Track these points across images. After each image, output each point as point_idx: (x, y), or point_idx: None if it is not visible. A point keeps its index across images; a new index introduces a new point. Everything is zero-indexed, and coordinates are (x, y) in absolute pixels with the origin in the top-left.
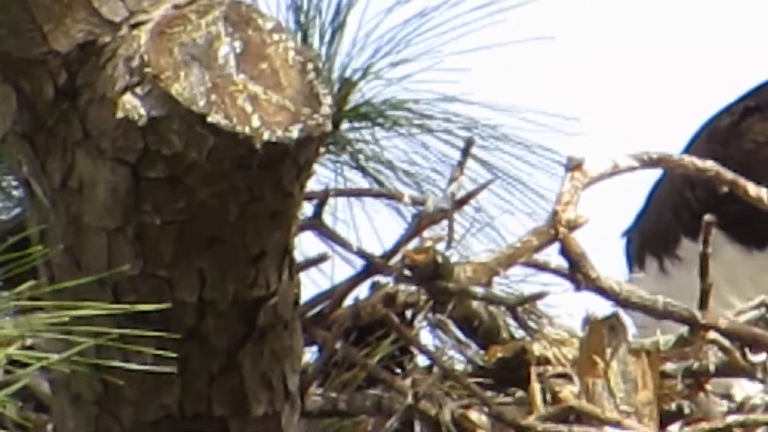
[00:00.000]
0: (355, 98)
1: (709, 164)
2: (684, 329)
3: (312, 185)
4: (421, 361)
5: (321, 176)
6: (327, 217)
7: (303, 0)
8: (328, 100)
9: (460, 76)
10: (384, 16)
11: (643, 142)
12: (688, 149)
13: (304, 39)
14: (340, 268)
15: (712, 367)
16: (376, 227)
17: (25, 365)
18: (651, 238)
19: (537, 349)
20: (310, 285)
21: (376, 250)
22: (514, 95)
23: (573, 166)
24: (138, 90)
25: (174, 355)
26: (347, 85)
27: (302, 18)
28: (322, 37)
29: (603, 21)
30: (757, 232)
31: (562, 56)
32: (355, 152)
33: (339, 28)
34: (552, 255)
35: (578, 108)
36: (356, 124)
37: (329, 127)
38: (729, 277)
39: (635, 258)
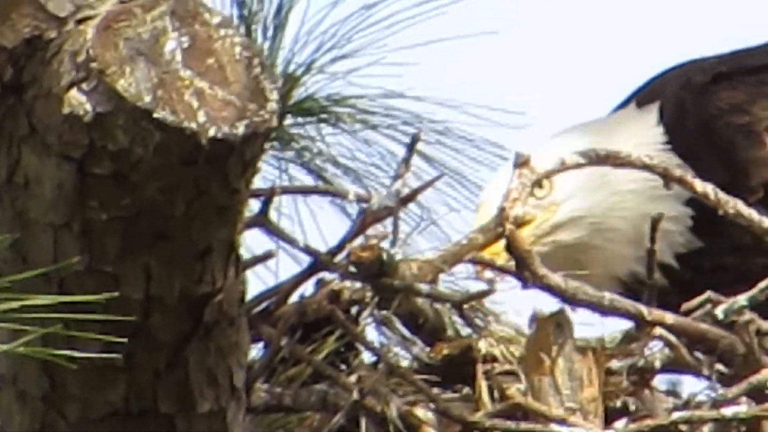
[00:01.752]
0: (298, 93)
1: (657, 161)
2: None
3: (257, 182)
4: (367, 357)
5: (265, 172)
6: (272, 214)
7: None
8: (274, 96)
9: (404, 71)
10: (328, 11)
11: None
12: (637, 93)
13: (248, 33)
14: (286, 265)
15: (657, 364)
16: (320, 224)
17: None
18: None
19: (483, 346)
20: (257, 282)
21: (321, 246)
22: (457, 90)
23: (520, 162)
24: (84, 85)
25: (120, 352)
26: (290, 81)
27: (246, 12)
28: (265, 31)
29: (545, 14)
30: None
31: (505, 50)
32: (299, 148)
33: (282, 23)
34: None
35: (522, 101)
36: (300, 120)
37: (275, 122)
38: None
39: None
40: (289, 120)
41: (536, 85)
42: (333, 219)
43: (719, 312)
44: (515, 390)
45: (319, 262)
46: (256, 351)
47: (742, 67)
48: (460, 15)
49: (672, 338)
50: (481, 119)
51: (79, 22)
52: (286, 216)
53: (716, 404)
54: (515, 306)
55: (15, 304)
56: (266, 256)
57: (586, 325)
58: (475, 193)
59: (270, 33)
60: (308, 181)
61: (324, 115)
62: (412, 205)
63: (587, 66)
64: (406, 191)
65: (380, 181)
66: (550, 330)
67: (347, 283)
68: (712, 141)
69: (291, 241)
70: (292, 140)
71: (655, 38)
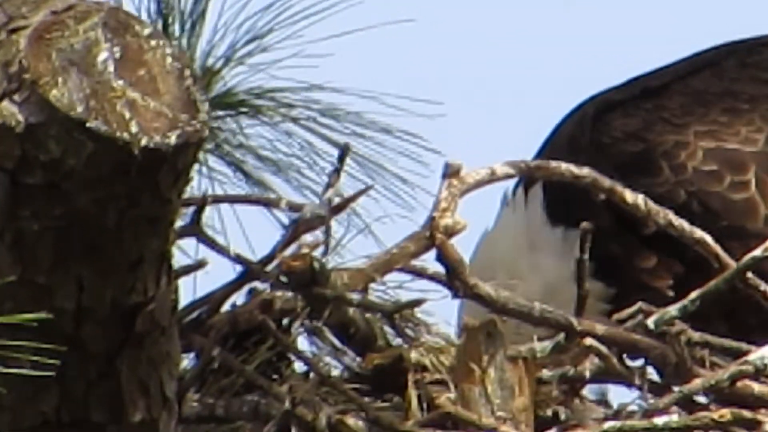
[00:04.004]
0: (217, 87)
1: (586, 171)
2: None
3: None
4: (299, 367)
5: None
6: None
7: None
8: (205, 107)
9: (323, 63)
10: (245, 3)
11: (504, 123)
12: (555, 132)
13: (165, 27)
14: (216, 274)
15: (587, 374)
16: (248, 232)
17: None
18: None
19: (414, 356)
20: (188, 291)
21: (251, 255)
22: (376, 80)
23: (450, 172)
24: (16, 96)
25: (52, 361)
26: (209, 74)
27: (164, 5)
28: (183, 25)
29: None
30: None
31: (423, 38)
32: (219, 141)
33: (200, 16)
34: (430, 261)
35: (440, 90)
36: (220, 113)
37: (207, 133)
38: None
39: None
40: None
41: (455, 73)
42: (261, 227)
43: (650, 322)
44: (445, 399)
45: (250, 272)
46: (187, 361)
47: (638, 92)
48: (377, 4)
49: (602, 348)
50: (399, 110)
51: (12, 32)
52: (212, 228)
53: (647, 414)
54: (446, 316)
55: None
56: (198, 265)
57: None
58: (394, 182)
59: (188, 26)
60: (228, 173)
61: (244, 108)
62: (343, 213)
63: (505, 54)
64: (337, 200)
65: (301, 172)
66: (480, 339)
67: (279, 293)
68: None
69: (222, 251)
70: (212, 133)
71: (580, 31)
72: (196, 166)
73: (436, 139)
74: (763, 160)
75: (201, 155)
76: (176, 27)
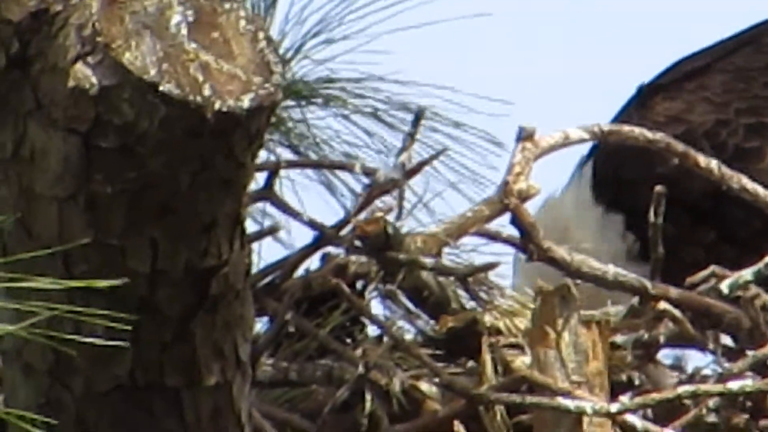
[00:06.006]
0: (287, 76)
1: (660, 136)
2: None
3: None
4: (372, 331)
5: None
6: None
7: None
8: (279, 69)
9: (393, 56)
10: None
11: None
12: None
13: None
14: (291, 239)
15: (662, 338)
16: (311, 202)
17: None
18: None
19: (488, 319)
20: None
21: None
22: (446, 74)
23: (524, 136)
24: (89, 59)
25: (126, 325)
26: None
27: None
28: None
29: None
30: None
31: (493, 33)
32: (287, 130)
33: (272, 5)
34: (503, 225)
35: (508, 84)
36: (289, 102)
37: (280, 96)
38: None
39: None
40: None
41: (523, 71)
42: (323, 198)
43: (724, 286)
44: (520, 363)
45: (324, 236)
46: (261, 325)
47: (681, 74)
48: None
49: (676, 313)
50: (463, 106)
51: None
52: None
53: (722, 378)
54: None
55: (22, 284)
56: (272, 230)
57: None
58: (465, 176)
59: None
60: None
61: (313, 98)
62: (416, 179)
63: (576, 51)
64: (410, 165)
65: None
66: (555, 303)
67: (353, 257)
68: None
69: (296, 215)
70: (280, 123)
71: (649, 28)
72: (268, 131)
73: (505, 137)
74: None
75: (269, 145)
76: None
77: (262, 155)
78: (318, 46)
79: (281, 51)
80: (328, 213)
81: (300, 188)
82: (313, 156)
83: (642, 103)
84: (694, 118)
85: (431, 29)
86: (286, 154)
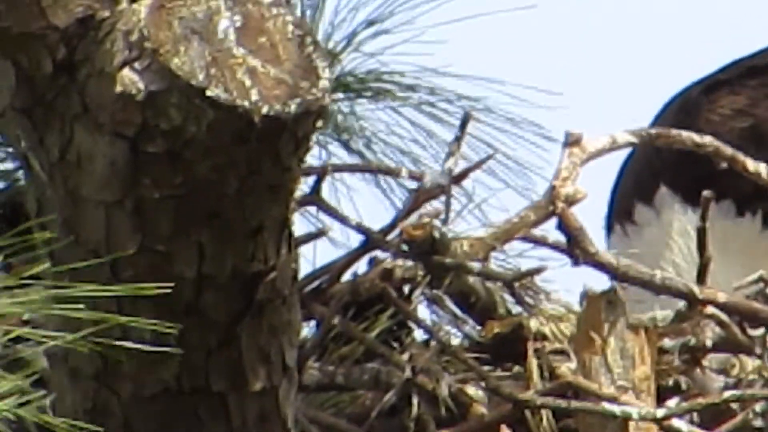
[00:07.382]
0: (337, 69)
1: (708, 140)
2: (681, 304)
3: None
4: (419, 335)
5: None
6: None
7: None
8: (326, 74)
9: (443, 47)
10: None
11: (625, 114)
12: (658, 119)
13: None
14: (338, 244)
15: (709, 343)
16: (359, 205)
17: (24, 340)
18: (616, 205)
19: (534, 324)
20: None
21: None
22: (496, 67)
23: (571, 141)
24: (137, 64)
25: (172, 330)
26: (330, 57)
27: None
28: (305, 7)
29: None
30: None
31: (543, 26)
32: (338, 124)
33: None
34: (550, 230)
35: (560, 77)
36: (340, 95)
37: (328, 101)
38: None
39: (606, 225)
40: None
41: (574, 62)
42: (371, 200)
43: None
44: (566, 368)
45: (371, 241)
46: (308, 329)
47: (744, 72)
48: None
49: (724, 317)
50: (518, 99)
51: (132, 1)
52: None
53: None
54: (566, 284)
55: (69, 291)
56: (319, 234)
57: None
58: (517, 172)
59: (309, 9)
60: (346, 156)
61: (363, 92)
62: (464, 184)
63: (626, 42)
64: (457, 170)
65: (418, 158)
66: (601, 308)
67: (399, 262)
68: None
69: (343, 219)
70: (331, 116)
71: (699, 21)
72: (316, 135)
73: (556, 130)
74: None
75: (320, 138)
76: (298, 8)
77: (313, 152)
78: (369, 38)
79: (331, 44)
80: (381, 212)
81: (349, 189)
82: (363, 149)
83: (705, 97)
84: (759, 112)
85: (479, 21)
86: (336, 149)
